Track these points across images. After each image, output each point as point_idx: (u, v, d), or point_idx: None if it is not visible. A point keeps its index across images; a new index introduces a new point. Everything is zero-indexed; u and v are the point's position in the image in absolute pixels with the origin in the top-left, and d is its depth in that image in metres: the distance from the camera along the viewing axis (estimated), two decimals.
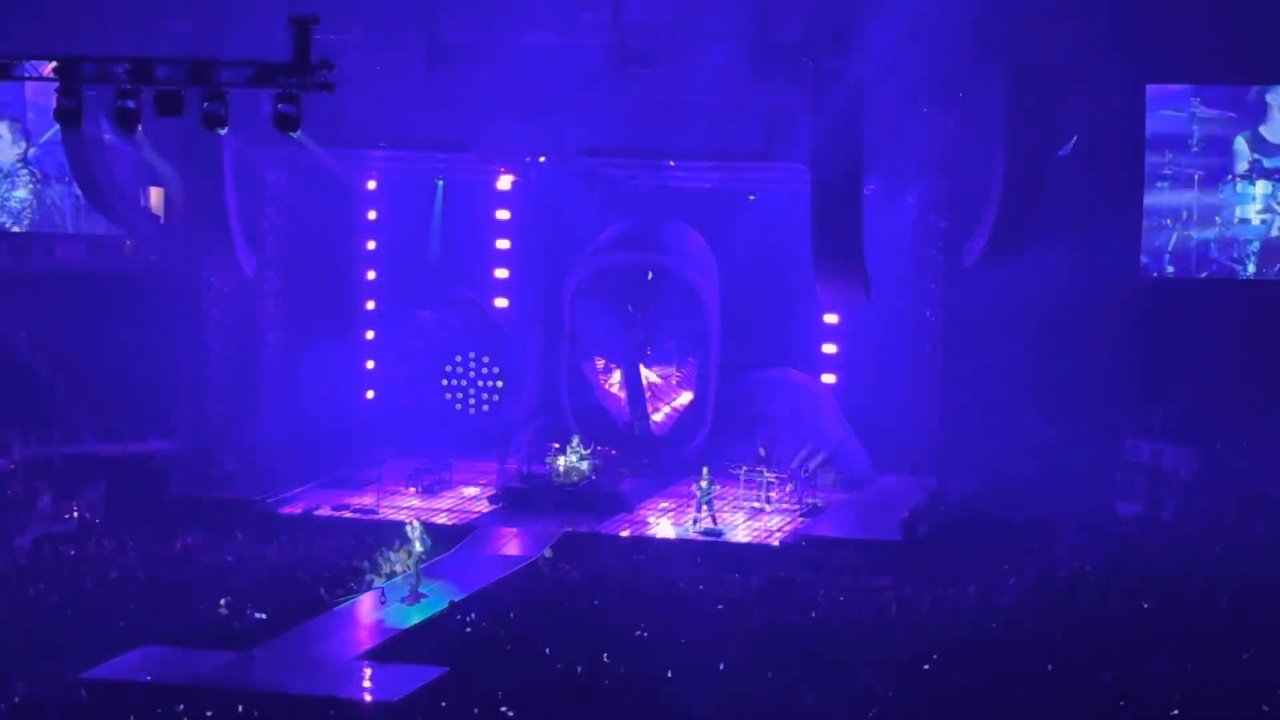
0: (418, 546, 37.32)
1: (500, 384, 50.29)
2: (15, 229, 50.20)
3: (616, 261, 47.78)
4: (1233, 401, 43.59)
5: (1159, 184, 46.30)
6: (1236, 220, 46.37)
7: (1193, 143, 46.13)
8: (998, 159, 43.20)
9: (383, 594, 36.71)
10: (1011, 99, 42.64)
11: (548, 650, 32.00)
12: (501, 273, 51.63)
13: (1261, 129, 45.93)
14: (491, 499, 44.95)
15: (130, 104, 27.45)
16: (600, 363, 48.33)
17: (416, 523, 38.29)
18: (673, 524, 42.93)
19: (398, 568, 37.98)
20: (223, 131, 28.37)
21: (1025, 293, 45.41)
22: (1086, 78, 43.71)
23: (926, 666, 30.13)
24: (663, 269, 47.51)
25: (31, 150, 49.97)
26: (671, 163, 46.38)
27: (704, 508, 42.41)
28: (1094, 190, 45.24)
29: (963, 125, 44.57)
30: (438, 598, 36.49)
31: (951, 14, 42.60)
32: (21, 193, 50.19)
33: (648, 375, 48.13)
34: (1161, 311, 45.62)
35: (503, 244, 51.50)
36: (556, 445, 45.64)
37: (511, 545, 41.50)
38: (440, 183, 51.05)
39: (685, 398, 48.06)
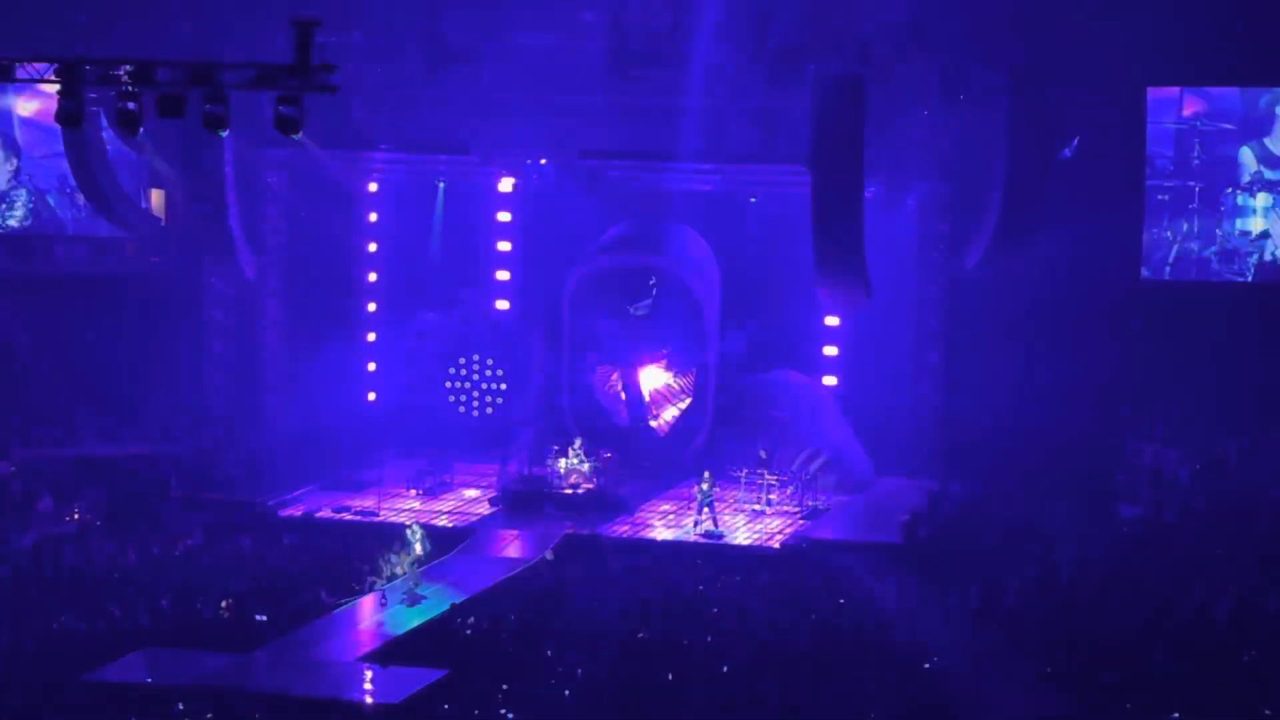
0: (417, 549, 37.32)
1: (503, 386, 50.27)
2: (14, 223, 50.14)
3: (614, 263, 47.77)
4: (1234, 404, 43.58)
5: (1160, 196, 46.26)
6: (1237, 233, 46.33)
7: (1194, 155, 46.08)
8: (999, 161, 43.20)
9: (383, 596, 36.71)
10: (1013, 101, 42.64)
11: (549, 653, 32.00)
12: (503, 275, 51.63)
13: (1267, 140, 45.85)
14: (492, 501, 44.94)
15: (132, 106, 27.46)
16: (600, 365, 48.31)
17: (417, 526, 38.30)
18: (673, 526, 42.95)
19: (398, 570, 37.98)
20: (224, 133, 28.37)
21: (1026, 295, 45.45)
22: (1088, 80, 43.70)
23: (927, 665, 30.14)
24: (660, 271, 47.48)
25: (20, 172, 49.88)
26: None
27: (705, 510, 42.42)
28: (1095, 193, 45.20)
29: (964, 127, 44.56)
30: (437, 600, 36.50)
31: (952, 16, 42.63)
32: (19, 213, 50.12)
33: (647, 377, 48.10)
34: (1163, 314, 45.59)
35: (504, 246, 51.50)
36: (557, 447, 45.67)
37: (512, 547, 41.51)
38: (441, 185, 51.05)
39: (684, 400, 48.02)
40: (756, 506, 44.43)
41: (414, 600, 36.33)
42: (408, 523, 39.64)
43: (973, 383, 45.73)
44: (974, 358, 45.77)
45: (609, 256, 47.76)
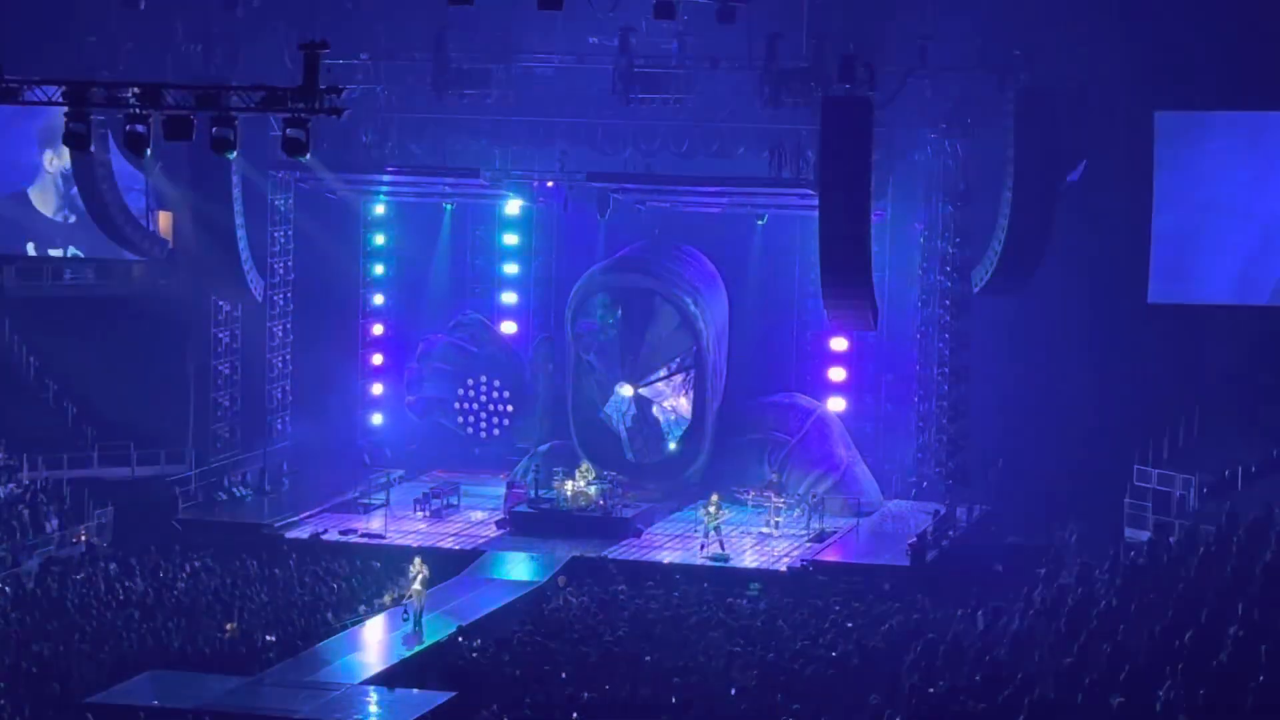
0: (417, 585, 36.88)
1: (509, 408, 50.25)
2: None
3: (613, 285, 47.79)
4: (1241, 427, 43.51)
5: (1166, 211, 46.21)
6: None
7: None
8: (1007, 184, 43.22)
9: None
10: (1020, 124, 42.65)
11: (556, 675, 31.96)
12: (509, 297, 51.67)
13: None
14: (499, 523, 44.90)
15: (140, 128, 27.48)
16: (602, 386, 48.26)
17: (418, 560, 37.86)
18: (680, 549, 42.92)
19: (389, 597, 37.80)
20: (232, 156, 28.39)
21: (1033, 318, 45.41)
22: (1095, 104, 43.71)
23: (931, 690, 30.06)
24: (658, 293, 47.42)
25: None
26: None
27: (712, 533, 42.37)
28: (1103, 216, 45.17)
29: (971, 150, 44.58)
30: (443, 624, 36.40)
31: (960, 39, 42.65)
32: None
33: (646, 398, 48.09)
34: (1170, 337, 45.53)
35: (511, 268, 51.55)
36: (563, 470, 45.64)
37: (519, 570, 41.46)
38: (448, 207, 51.11)
39: (684, 422, 47.95)
40: (764, 529, 44.36)
41: (414, 639, 36.02)
42: (415, 549, 39.32)
43: (979, 406, 45.68)
44: (980, 381, 45.72)
45: (606, 277, 47.80)
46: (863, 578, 39.93)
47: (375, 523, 44.42)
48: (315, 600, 37.71)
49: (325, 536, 43.45)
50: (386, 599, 37.90)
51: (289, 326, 49.72)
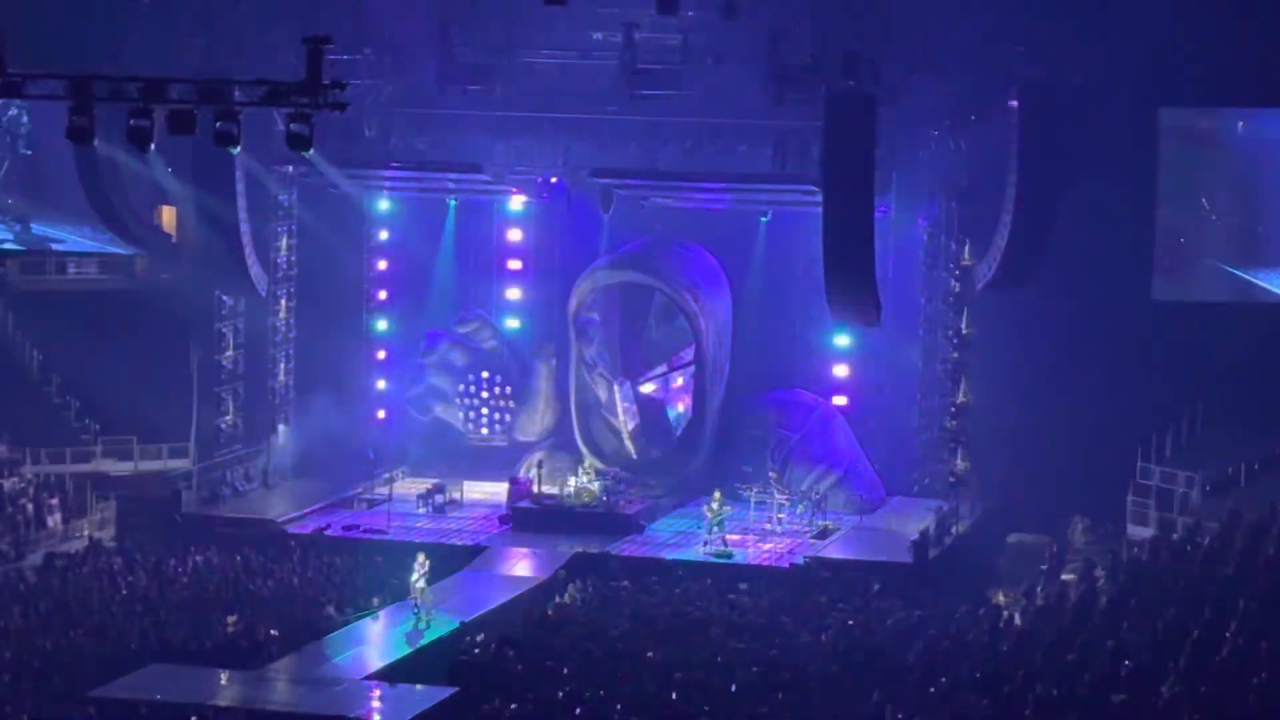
0: (421, 582, 36.76)
1: (512, 404, 50.27)
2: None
3: (613, 281, 47.80)
4: (1244, 425, 43.50)
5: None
6: None
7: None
8: (1010, 181, 43.20)
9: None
10: (1024, 121, 42.63)
11: (558, 671, 31.96)
12: (513, 293, 51.64)
13: None
14: (502, 520, 44.90)
15: (143, 123, 27.46)
16: (604, 382, 48.26)
17: (422, 556, 37.74)
18: (683, 545, 42.93)
19: (376, 600, 37.74)
20: (235, 151, 28.36)
21: (1037, 315, 45.41)
22: (1099, 100, 43.68)
23: (933, 690, 30.08)
24: (660, 289, 47.45)
25: None
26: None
27: (714, 529, 42.37)
28: (1106, 213, 45.14)
29: (975, 147, 44.56)
30: (446, 620, 36.37)
31: (963, 36, 42.63)
32: None
33: (647, 394, 48.10)
34: (1173, 334, 45.51)
35: (514, 264, 51.51)
36: (565, 466, 45.64)
37: (521, 566, 41.47)
38: (452, 202, 51.08)
39: (685, 418, 47.98)
40: (767, 526, 44.35)
41: (416, 636, 35.98)
42: (418, 558, 39.16)
43: (982, 403, 45.70)
44: (983, 377, 45.73)
45: (607, 274, 47.79)
46: (865, 574, 39.92)
47: (377, 518, 44.25)
48: (318, 595, 37.71)
49: (328, 532, 43.46)
50: (375, 601, 37.73)
51: (292, 321, 49.69)
